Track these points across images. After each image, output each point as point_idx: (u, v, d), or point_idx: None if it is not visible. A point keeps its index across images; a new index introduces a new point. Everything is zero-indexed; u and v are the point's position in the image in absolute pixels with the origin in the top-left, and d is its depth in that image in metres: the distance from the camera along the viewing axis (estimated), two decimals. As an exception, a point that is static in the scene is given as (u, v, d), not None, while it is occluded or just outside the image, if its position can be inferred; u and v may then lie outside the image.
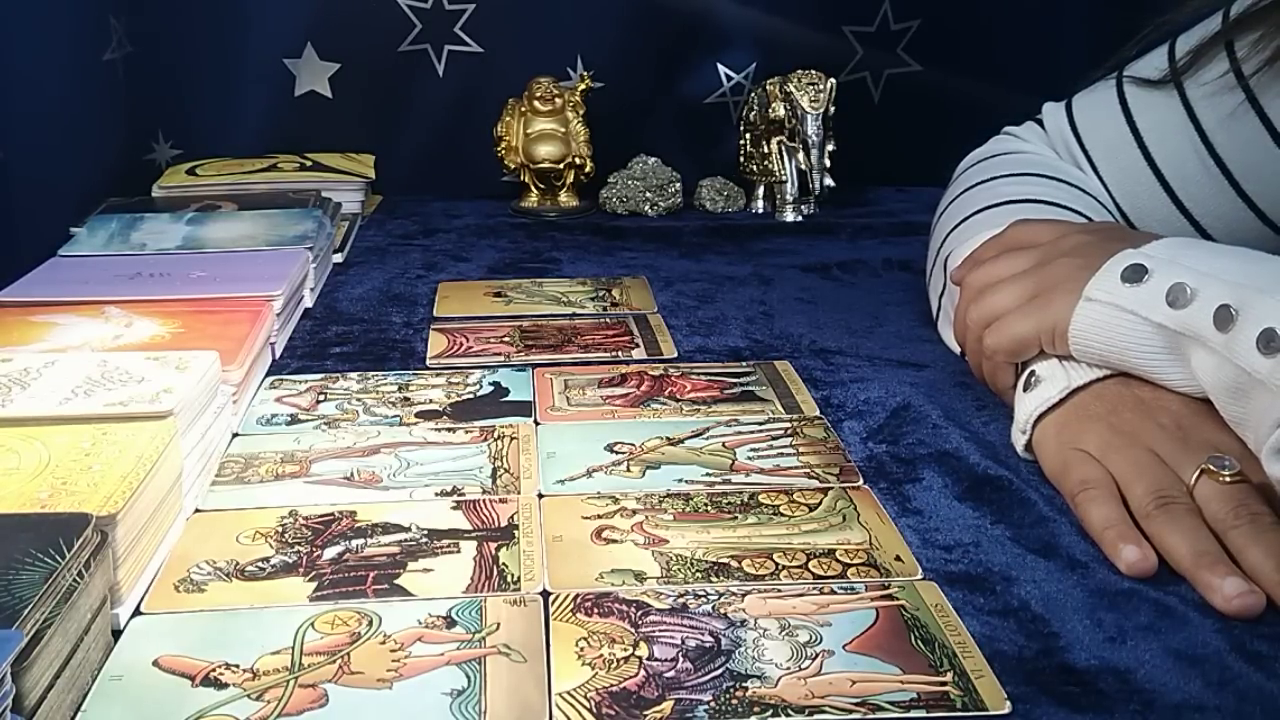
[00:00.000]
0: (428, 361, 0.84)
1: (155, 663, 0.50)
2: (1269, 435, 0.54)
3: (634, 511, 0.62)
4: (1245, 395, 0.56)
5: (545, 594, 0.55)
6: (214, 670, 0.50)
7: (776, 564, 0.57)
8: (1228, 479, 0.57)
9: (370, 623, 0.53)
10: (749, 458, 0.68)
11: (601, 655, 0.50)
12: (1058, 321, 0.64)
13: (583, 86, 1.27)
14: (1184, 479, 0.58)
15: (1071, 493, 0.62)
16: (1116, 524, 0.58)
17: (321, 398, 0.77)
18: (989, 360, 0.71)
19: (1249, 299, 0.56)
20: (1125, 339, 0.62)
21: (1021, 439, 0.67)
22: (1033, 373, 0.67)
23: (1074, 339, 0.64)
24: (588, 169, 1.26)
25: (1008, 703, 0.47)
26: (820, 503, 0.63)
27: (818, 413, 0.75)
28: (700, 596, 0.55)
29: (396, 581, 0.56)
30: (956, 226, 0.84)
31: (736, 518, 0.62)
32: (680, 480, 0.66)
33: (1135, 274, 0.61)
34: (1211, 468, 0.57)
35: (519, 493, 0.64)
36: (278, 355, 0.86)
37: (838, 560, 0.58)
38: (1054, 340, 0.65)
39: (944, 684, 0.48)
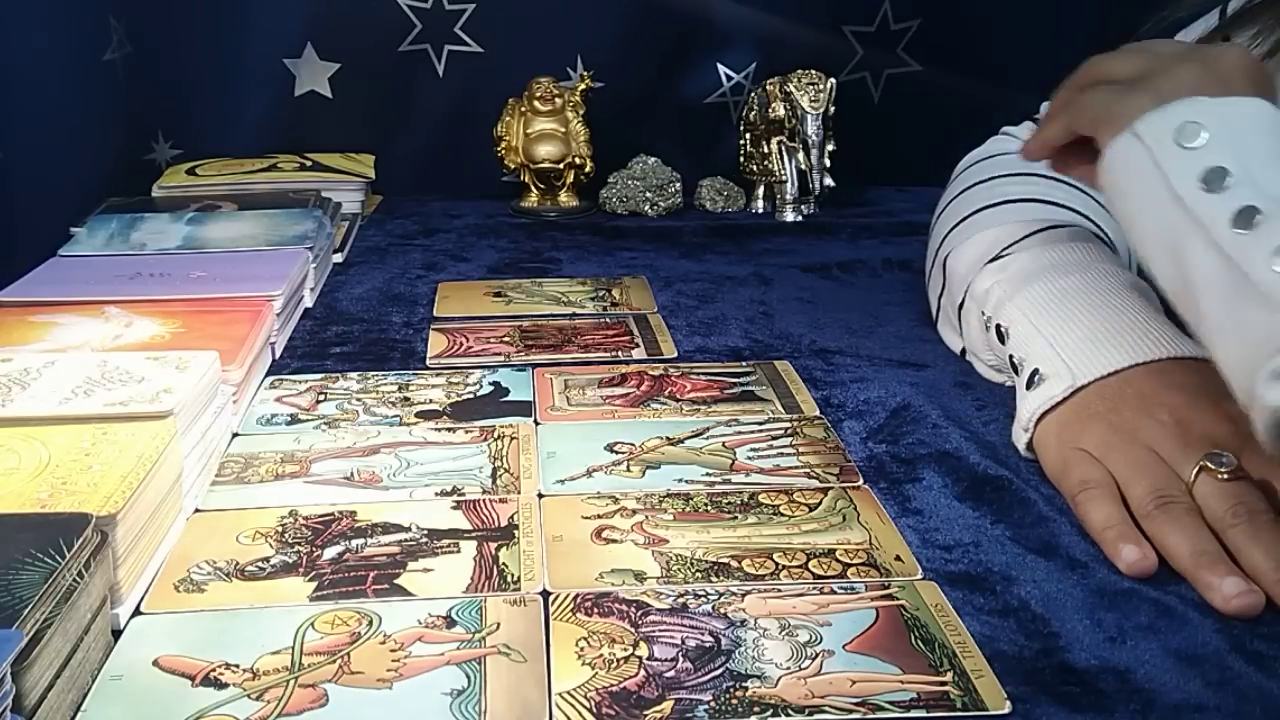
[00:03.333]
0: (428, 361, 0.84)
1: (155, 663, 0.50)
2: (1268, 359, 0.52)
3: (634, 511, 0.62)
4: (1240, 304, 0.54)
5: (545, 594, 0.55)
6: (214, 670, 0.50)
7: (776, 564, 0.57)
8: (1225, 476, 0.57)
9: (370, 623, 0.53)
10: (749, 458, 0.68)
11: (601, 655, 0.50)
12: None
13: (583, 86, 1.27)
14: (1183, 477, 0.59)
15: (1072, 493, 0.62)
16: (1116, 524, 0.58)
17: (321, 398, 0.77)
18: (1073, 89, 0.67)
19: (1278, 210, 0.54)
20: (1137, 190, 0.60)
21: (1024, 437, 0.67)
22: (1036, 370, 0.67)
23: (1105, 166, 0.62)
24: (588, 169, 1.26)
25: (1008, 703, 0.47)
26: (820, 503, 0.63)
27: (818, 413, 0.75)
28: (700, 596, 0.55)
29: (396, 581, 0.56)
30: (956, 226, 0.84)
31: (736, 518, 0.62)
32: (680, 480, 0.66)
33: (1189, 134, 0.58)
34: (1210, 465, 0.57)
35: (519, 493, 0.64)
36: (278, 355, 0.86)
37: (838, 560, 0.58)
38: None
39: (944, 684, 0.48)
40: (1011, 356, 0.72)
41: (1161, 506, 0.57)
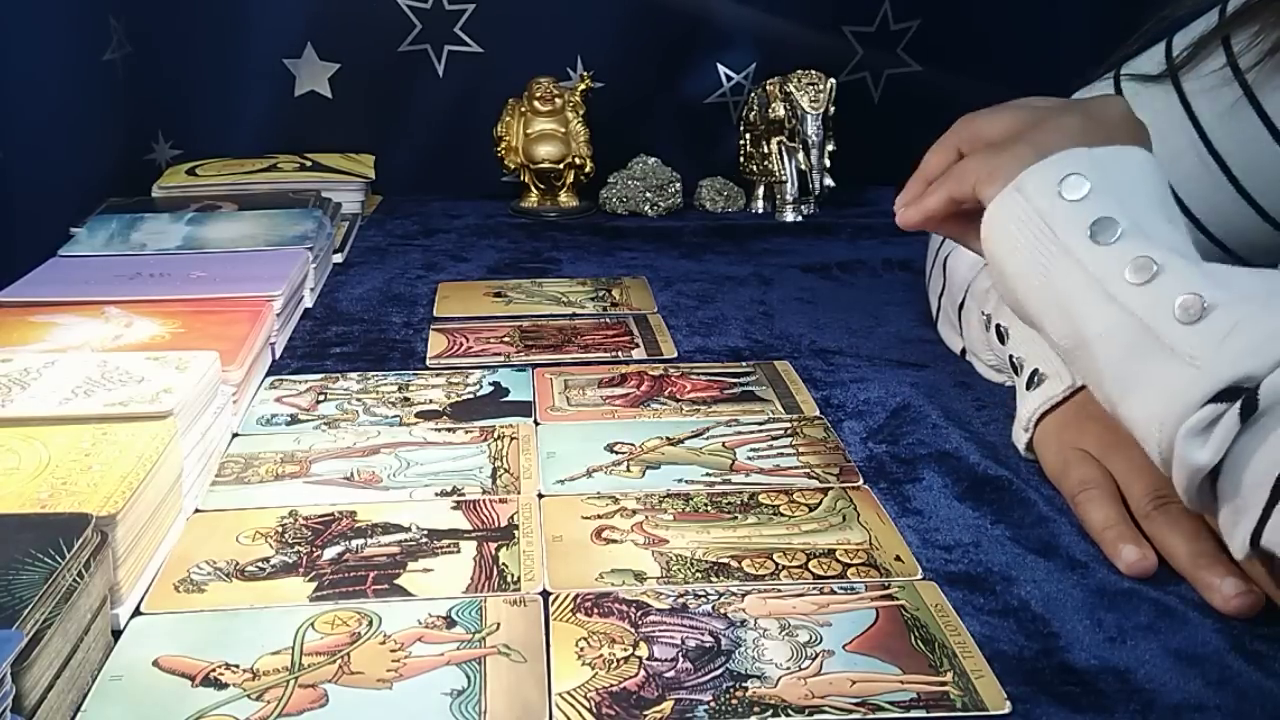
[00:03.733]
0: (428, 361, 0.84)
1: (155, 663, 0.50)
2: (1184, 415, 0.50)
3: (634, 511, 0.62)
4: (1146, 359, 0.52)
5: (545, 594, 0.55)
6: (214, 670, 0.50)
7: (776, 564, 0.57)
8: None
9: (370, 623, 0.53)
10: (749, 458, 0.68)
11: (601, 655, 0.50)
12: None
13: (583, 86, 1.27)
14: (1183, 478, 0.58)
15: (1071, 493, 0.62)
16: (1116, 524, 0.58)
17: (321, 398, 0.77)
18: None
19: (1173, 261, 0.53)
20: (1023, 240, 0.58)
21: (1024, 437, 0.67)
22: (1036, 370, 0.67)
23: (988, 221, 0.60)
24: (588, 169, 1.26)
25: (1008, 703, 0.47)
26: (820, 503, 0.63)
27: (818, 413, 0.75)
28: (700, 596, 0.55)
29: (396, 581, 0.56)
30: (956, 226, 0.84)
31: (736, 518, 0.62)
32: (680, 480, 0.66)
33: (1073, 186, 0.57)
34: (1209, 465, 0.57)
35: (519, 493, 0.64)
36: (278, 355, 0.86)
37: (838, 560, 0.58)
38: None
39: (944, 684, 0.48)
40: (1011, 356, 0.72)
41: (1160, 507, 0.57)
